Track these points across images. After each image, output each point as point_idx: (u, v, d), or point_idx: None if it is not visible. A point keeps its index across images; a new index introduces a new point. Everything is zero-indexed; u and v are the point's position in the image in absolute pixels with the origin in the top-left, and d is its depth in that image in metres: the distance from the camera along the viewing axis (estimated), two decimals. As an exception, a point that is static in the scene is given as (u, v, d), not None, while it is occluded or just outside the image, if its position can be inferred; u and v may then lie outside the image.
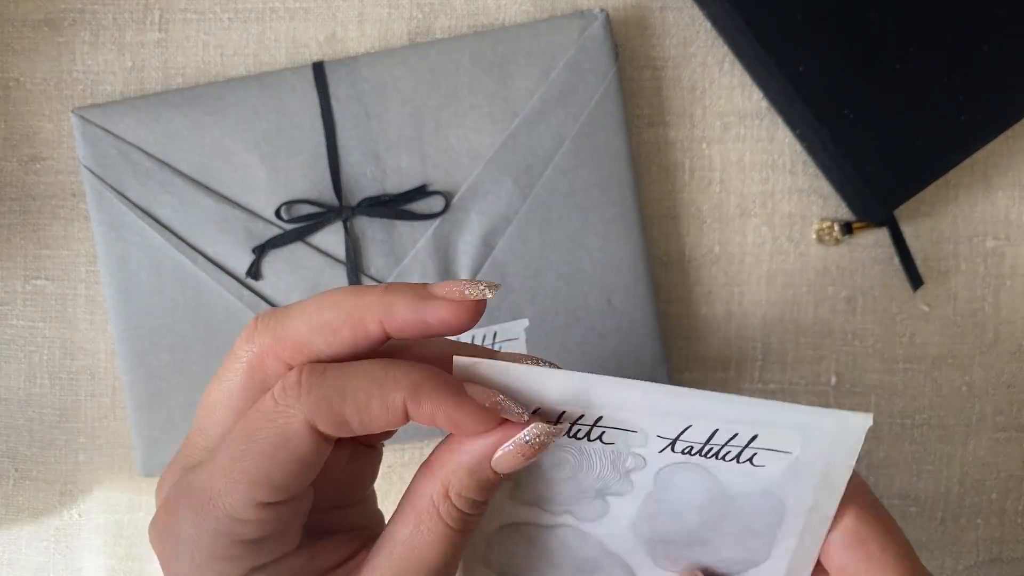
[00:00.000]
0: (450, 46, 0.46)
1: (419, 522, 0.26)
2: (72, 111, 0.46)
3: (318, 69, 0.46)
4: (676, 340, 0.48)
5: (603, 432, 0.27)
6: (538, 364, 0.27)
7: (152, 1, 0.49)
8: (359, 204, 0.45)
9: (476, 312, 0.26)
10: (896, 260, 0.48)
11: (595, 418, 0.26)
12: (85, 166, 0.45)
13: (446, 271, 0.46)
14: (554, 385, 0.26)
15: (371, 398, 0.24)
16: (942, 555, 0.49)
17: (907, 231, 0.48)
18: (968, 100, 0.44)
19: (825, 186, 0.48)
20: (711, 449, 0.26)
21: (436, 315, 0.25)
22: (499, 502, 0.29)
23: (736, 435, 0.26)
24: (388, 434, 0.30)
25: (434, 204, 0.46)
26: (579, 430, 0.27)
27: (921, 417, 0.49)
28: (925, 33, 0.44)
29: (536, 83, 0.46)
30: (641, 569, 0.30)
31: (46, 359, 0.49)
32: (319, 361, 0.25)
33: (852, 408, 0.49)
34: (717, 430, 0.26)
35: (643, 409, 0.26)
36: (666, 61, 0.48)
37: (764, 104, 0.48)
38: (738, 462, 0.26)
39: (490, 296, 0.26)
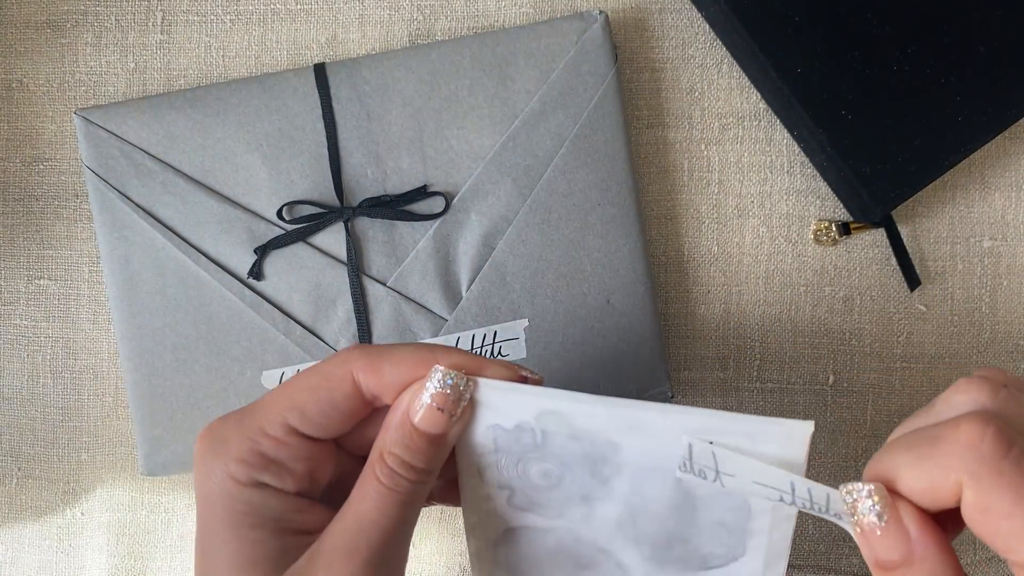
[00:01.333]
0: (450, 48, 0.46)
1: (360, 485, 0.29)
2: (75, 112, 0.46)
3: (319, 71, 0.46)
4: (675, 339, 0.49)
5: (578, 442, 0.30)
6: (524, 375, 0.30)
7: (154, 3, 0.49)
8: (360, 205, 0.46)
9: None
10: (893, 260, 0.48)
11: (568, 431, 0.30)
12: (88, 167, 0.46)
13: (446, 271, 0.46)
14: (523, 401, 0.30)
15: (407, 357, 0.29)
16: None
17: (904, 231, 0.48)
18: (964, 101, 0.44)
19: (823, 187, 0.49)
20: (667, 453, 0.29)
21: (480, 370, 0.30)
22: (500, 509, 0.32)
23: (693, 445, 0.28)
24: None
25: (434, 205, 0.46)
26: (557, 441, 0.30)
27: (918, 416, 0.49)
28: (921, 35, 0.44)
29: (536, 84, 0.46)
30: (632, 565, 0.33)
31: (49, 359, 0.50)
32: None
33: (850, 407, 0.49)
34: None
35: (610, 424, 0.29)
36: (665, 63, 0.49)
37: (762, 106, 0.49)
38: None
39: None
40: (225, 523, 0.28)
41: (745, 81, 0.49)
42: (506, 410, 0.30)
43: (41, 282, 0.49)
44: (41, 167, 0.49)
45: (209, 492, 0.28)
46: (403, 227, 0.46)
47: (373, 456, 0.29)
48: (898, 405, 0.49)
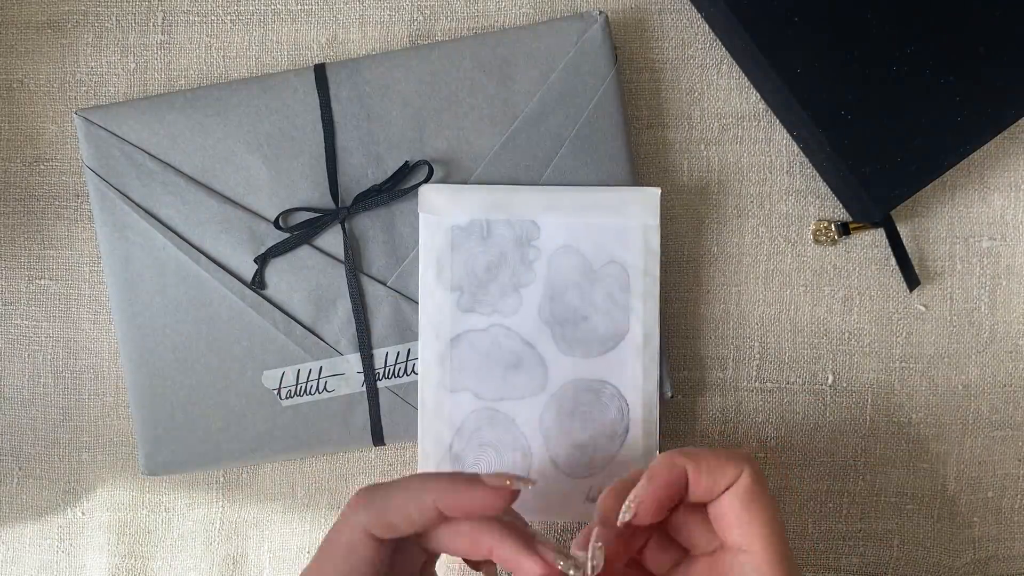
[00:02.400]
0: (450, 48, 0.46)
1: None
2: (75, 112, 0.46)
3: (319, 71, 0.46)
4: (674, 339, 0.49)
5: (511, 228, 0.44)
6: (510, 481, 0.35)
7: (155, 3, 0.49)
8: (354, 201, 0.46)
9: (512, 498, 0.34)
10: (892, 260, 0.48)
11: (506, 217, 0.44)
12: (88, 167, 0.46)
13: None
14: (475, 197, 0.44)
15: (408, 503, 0.34)
16: (939, 553, 0.49)
17: (903, 231, 0.48)
18: (964, 102, 0.44)
19: (822, 187, 0.49)
20: (572, 230, 0.44)
21: (480, 499, 0.34)
22: (448, 314, 0.44)
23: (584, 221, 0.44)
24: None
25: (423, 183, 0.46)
26: (498, 229, 0.44)
27: (917, 416, 0.49)
28: (921, 35, 0.44)
29: (536, 85, 0.46)
30: (548, 356, 0.44)
31: (50, 358, 0.50)
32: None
33: (849, 407, 0.49)
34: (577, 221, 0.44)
35: (535, 203, 0.44)
36: (664, 63, 0.49)
37: (762, 106, 0.49)
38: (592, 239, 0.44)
39: (528, 488, 0.35)
40: None
41: (745, 81, 0.49)
42: (462, 208, 0.44)
43: (42, 282, 0.49)
44: (42, 167, 0.49)
45: None
46: (403, 227, 0.46)
47: None
48: (897, 405, 0.49)
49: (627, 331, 0.44)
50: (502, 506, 0.34)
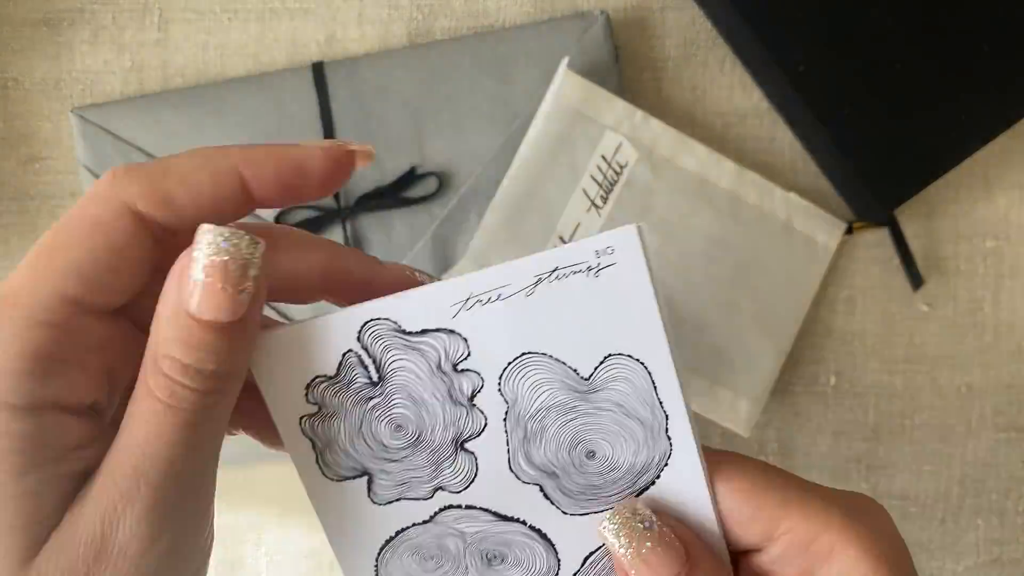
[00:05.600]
0: (450, 47, 0.46)
1: (134, 402, 0.21)
2: (71, 111, 0.45)
3: (318, 70, 0.46)
4: (675, 338, 0.48)
5: (418, 352, 0.24)
6: (418, 278, 0.25)
7: (151, 1, 0.49)
8: (356, 203, 0.45)
9: (347, 164, 0.23)
10: (896, 260, 0.48)
11: (403, 342, 0.24)
12: (84, 166, 0.45)
13: (446, 272, 0.46)
14: (338, 325, 0.24)
15: (198, 169, 0.22)
16: (943, 556, 0.49)
17: (907, 231, 0.48)
18: (968, 100, 0.44)
19: (826, 186, 0.48)
20: (524, 326, 0.24)
21: (301, 161, 0.23)
22: (362, 516, 0.26)
23: (537, 281, 0.23)
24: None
25: (430, 189, 0.46)
26: (395, 363, 0.24)
27: (921, 417, 0.49)
28: (925, 33, 0.44)
29: (536, 84, 0.46)
30: (549, 525, 0.26)
31: (44, 360, 0.49)
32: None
33: (851, 408, 0.49)
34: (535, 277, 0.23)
35: (444, 305, 0.24)
36: (666, 61, 0.49)
37: (765, 104, 0.48)
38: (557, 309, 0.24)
39: (364, 164, 0.24)
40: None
41: (747, 79, 0.48)
42: (321, 347, 0.24)
43: (37, 282, 0.49)
44: (37, 166, 0.49)
45: None
46: (402, 227, 0.46)
47: (145, 363, 0.21)
48: (900, 407, 0.49)
49: (668, 455, 0.26)
50: (335, 175, 0.23)
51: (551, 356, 0.24)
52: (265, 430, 0.25)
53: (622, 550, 0.23)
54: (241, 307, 0.21)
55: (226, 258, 0.20)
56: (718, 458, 0.25)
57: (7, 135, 0.49)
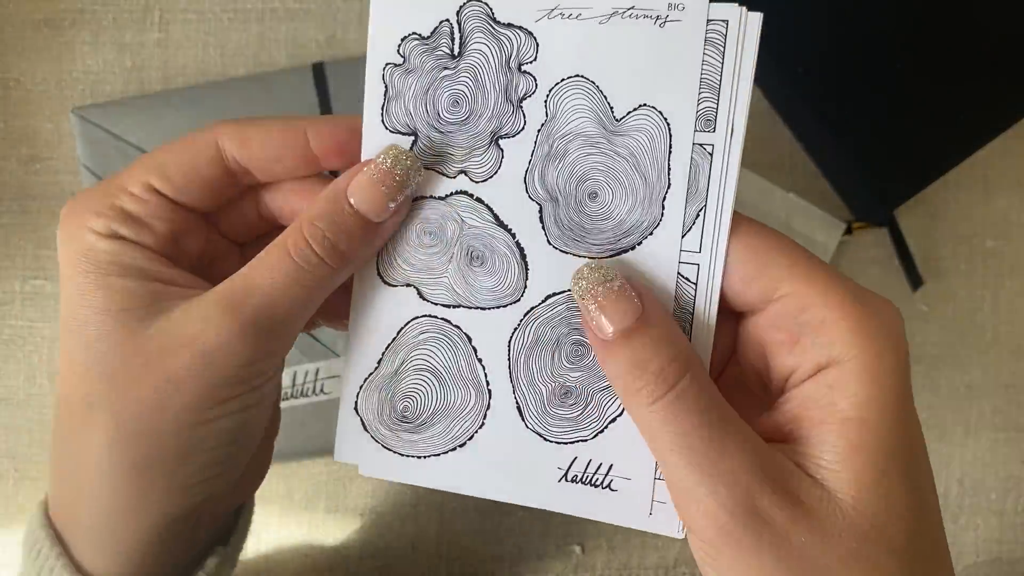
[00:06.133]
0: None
1: (264, 255, 0.26)
2: (72, 111, 0.45)
3: (318, 70, 0.46)
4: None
5: (497, 41, 0.27)
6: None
7: (152, 1, 0.49)
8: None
9: (344, 153, 0.28)
10: (896, 260, 0.48)
11: (489, 26, 0.27)
12: (85, 166, 0.45)
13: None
14: None
15: (274, 123, 0.28)
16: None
17: (907, 231, 0.48)
18: (967, 101, 0.44)
19: (825, 186, 0.48)
20: (587, 47, 0.27)
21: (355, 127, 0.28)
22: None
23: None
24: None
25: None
26: (474, 43, 0.27)
27: (920, 417, 0.49)
28: (925, 35, 0.44)
29: (536, 83, 0.46)
30: (532, 249, 0.28)
31: (45, 359, 0.49)
32: None
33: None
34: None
35: (531, 11, 0.27)
36: (666, 62, 0.49)
37: (764, 104, 0.48)
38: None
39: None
40: (89, 274, 0.26)
41: (746, 80, 0.48)
42: (426, 7, 0.27)
43: (37, 282, 0.49)
44: (38, 166, 0.49)
45: (71, 251, 0.26)
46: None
47: (291, 227, 0.26)
48: (900, 406, 0.49)
49: (659, 220, 0.27)
50: (334, 150, 0.28)
51: (598, 85, 0.27)
52: (338, 319, 0.30)
53: (585, 298, 0.26)
54: (387, 213, 0.27)
55: (397, 171, 0.26)
56: (737, 218, 0.26)
57: (8, 135, 0.49)
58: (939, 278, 0.49)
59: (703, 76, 0.26)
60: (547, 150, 0.28)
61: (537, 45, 0.27)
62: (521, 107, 0.28)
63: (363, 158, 0.28)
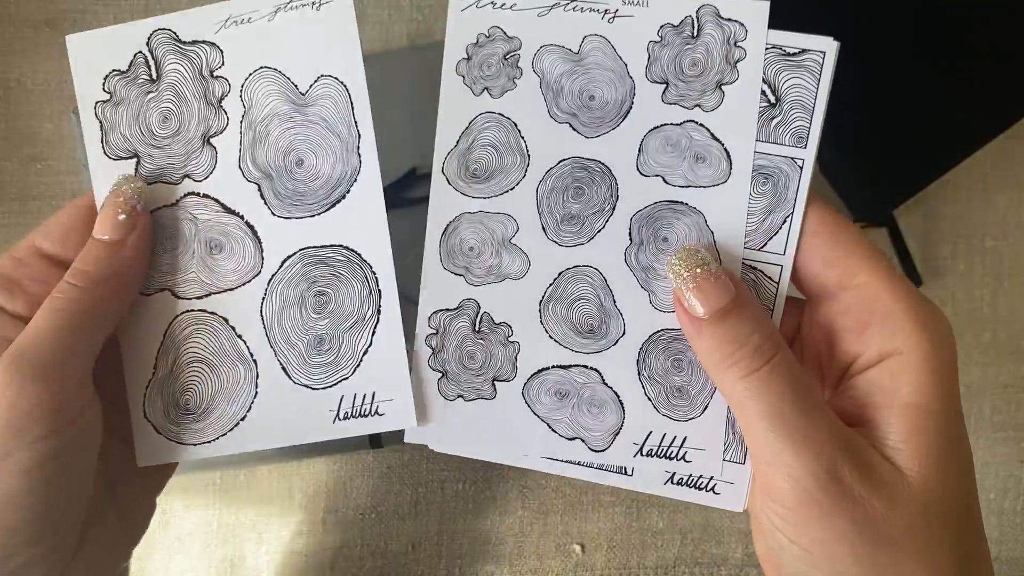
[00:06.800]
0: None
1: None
2: (72, 111, 0.46)
3: (318, 70, 0.46)
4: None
5: (186, 53, 0.32)
6: None
7: (152, 2, 0.49)
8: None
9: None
10: (895, 260, 0.48)
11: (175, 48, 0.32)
12: (85, 166, 0.45)
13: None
14: (136, 31, 0.33)
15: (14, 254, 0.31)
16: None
17: (906, 231, 0.48)
18: (966, 101, 0.44)
19: (824, 186, 0.48)
20: (263, 41, 0.32)
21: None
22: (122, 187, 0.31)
23: None
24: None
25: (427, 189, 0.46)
26: (167, 57, 0.32)
27: (920, 417, 0.49)
28: (924, 34, 0.44)
29: (536, 83, 0.46)
30: (260, 224, 0.32)
31: (46, 359, 0.49)
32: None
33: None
34: None
35: (207, 22, 0.32)
36: (665, 62, 0.49)
37: (763, 105, 0.48)
38: None
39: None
40: None
41: (746, 80, 0.48)
42: (120, 47, 0.32)
43: (38, 282, 0.49)
44: (38, 167, 0.49)
45: None
46: (402, 228, 0.46)
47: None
48: (900, 406, 0.49)
49: (359, 167, 0.32)
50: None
51: (279, 71, 0.32)
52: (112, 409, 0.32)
53: (680, 279, 0.28)
54: (119, 230, 0.30)
55: (123, 191, 0.30)
56: (822, 205, 0.30)
57: (9, 135, 0.49)
58: (938, 278, 0.49)
59: (799, 99, 0.30)
60: (252, 136, 0.32)
61: (222, 52, 0.32)
62: (222, 106, 0.32)
63: (94, 189, 0.32)
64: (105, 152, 0.32)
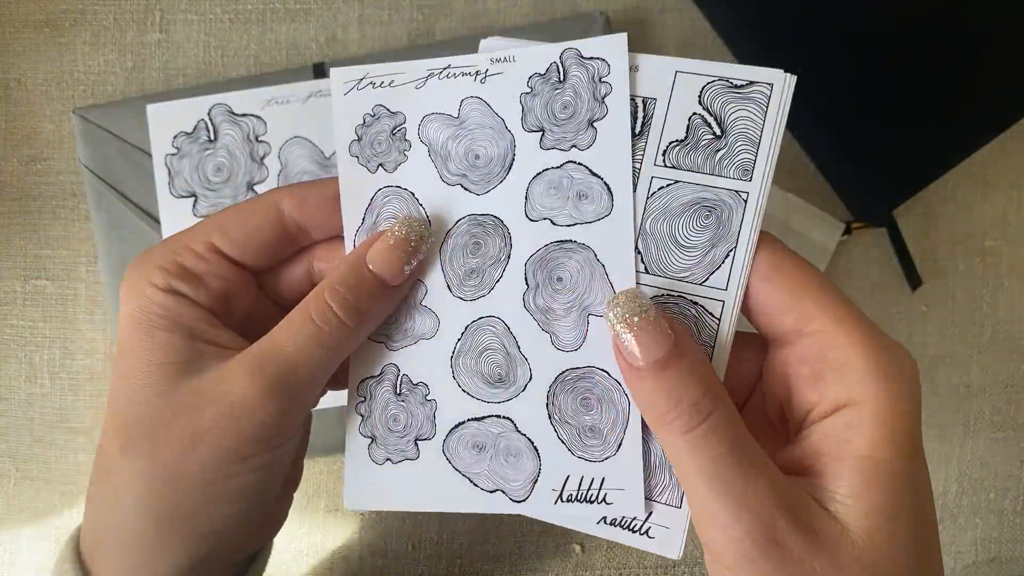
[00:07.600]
0: (450, 49, 0.46)
1: (289, 317, 0.28)
2: (73, 111, 0.46)
3: (318, 70, 0.46)
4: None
5: (238, 122, 0.44)
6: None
7: (153, 2, 0.49)
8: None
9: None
10: (895, 260, 0.48)
11: (229, 117, 0.44)
12: (85, 166, 0.45)
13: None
14: (199, 103, 0.44)
15: (328, 186, 0.31)
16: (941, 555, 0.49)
17: (906, 231, 0.48)
18: (966, 101, 0.44)
19: (824, 186, 0.48)
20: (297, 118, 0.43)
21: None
22: (182, 226, 0.35)
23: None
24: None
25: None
26: (222, 124, 0.44)
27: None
28: (923, 34, 0.44)
29: (536, 84, 0.46)
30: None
31: (46, 359, 0.49)
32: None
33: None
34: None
35: (255, 100, 0.44)
36: (665, 62, 0.49)
37: (763, 105, 0.48)
38: None
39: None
40: (140, 324, 0.28)
41: (746, 81, 0.48)
42: (187, 114, 0.44)
43: (38, 282, 0.49)
44: (39, 166, 0.49)
45: (130, 302, 0.29)
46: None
47: (312, 293, 0.29)
48: (899, 406, 0.49)
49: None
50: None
51: (309, 140, 0.44)
52: (337, 382, 0.32)
53: (619, 325, 0.27)
54: (403, 277, 0.29)
55: (412, 238, 0.29)
56: (778, 248, 0.28)
57: (9, 135, 0.49)
58: (938, 278, 0.49)
59: (744, 131, 0.29)
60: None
61: (265, 123, 0.44)
62: (263, 163, 0.44)
63: (162, 222, 0.42)
64: (171, 192, 0.44)
